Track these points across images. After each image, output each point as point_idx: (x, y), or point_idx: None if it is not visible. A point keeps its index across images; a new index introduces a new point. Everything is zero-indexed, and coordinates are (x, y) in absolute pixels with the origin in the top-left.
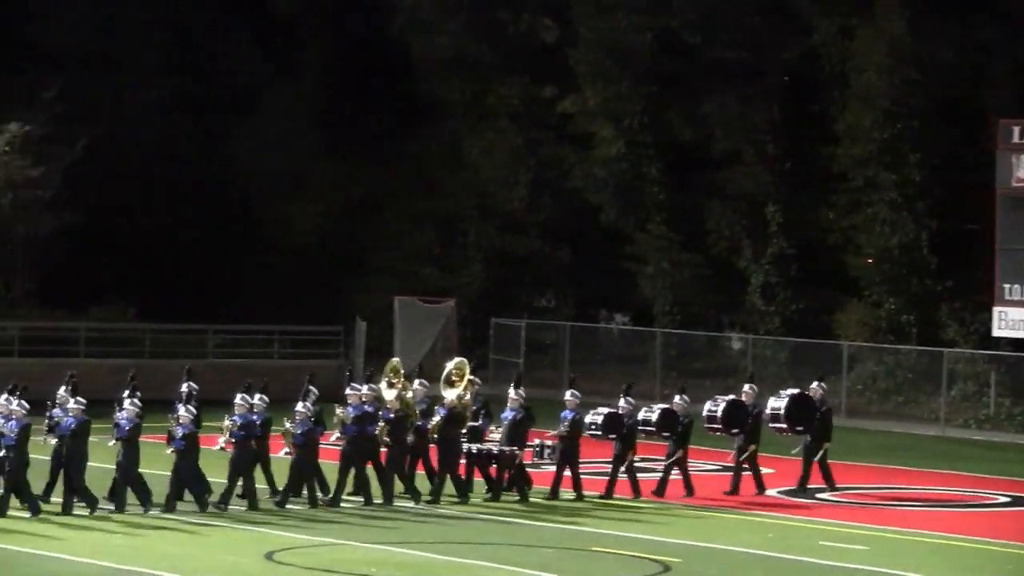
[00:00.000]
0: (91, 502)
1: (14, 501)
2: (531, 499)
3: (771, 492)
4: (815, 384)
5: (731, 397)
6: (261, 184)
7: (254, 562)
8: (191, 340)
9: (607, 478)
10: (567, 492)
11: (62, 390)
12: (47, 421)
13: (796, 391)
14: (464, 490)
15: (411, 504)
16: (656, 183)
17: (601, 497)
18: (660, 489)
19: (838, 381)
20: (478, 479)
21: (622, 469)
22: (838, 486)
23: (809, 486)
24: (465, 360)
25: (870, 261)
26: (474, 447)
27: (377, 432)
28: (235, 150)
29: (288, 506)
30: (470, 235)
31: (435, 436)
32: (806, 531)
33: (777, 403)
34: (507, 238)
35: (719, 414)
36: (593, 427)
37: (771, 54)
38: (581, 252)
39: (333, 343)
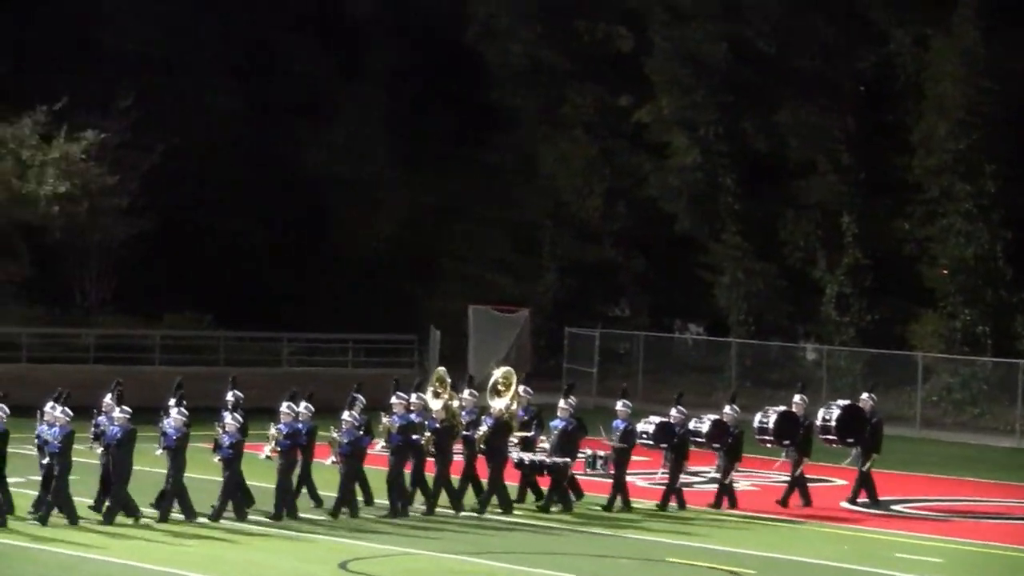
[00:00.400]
0: (132, 511)
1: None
2: (577, 510)
3: (845, 504)
4: (865, 395)
5: (782, 408)
6: (335, 191)
7: (328, 571)
8: (265, 348)
9: (662, 488)
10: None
11: (108, 398)
12: (93, 429)
13: (847, 402)
14: (508, 500)
15: (454, 513)
16: (731, 193)
17: (657, 507)
18: (732, 501)
19: (913, 392)
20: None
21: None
22: (909, 498)
23: (860, 499)
24: (511, 370)
25: (945, 272)
26: (525, 457)
27: (423, 442)
28: (309, 157)
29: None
30: (544, 244)
31: (482, 446)
32: (881, 543)
33: (828, 414)
34: (582, 247)
35: (770, 425)
36: (644, 436)
37: (846, 64)
38: (655, 261)
39: (407, 351)
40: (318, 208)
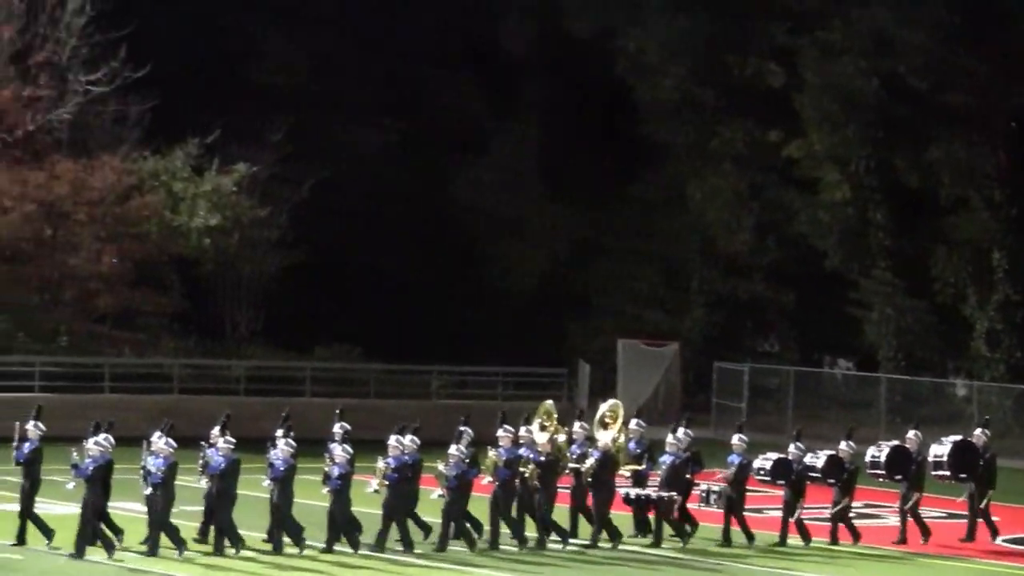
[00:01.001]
0: (235, 541)
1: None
2: (691, 544)
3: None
4: (978, 431)
5: (895, 443)
6: (484, 226)
7: None
8: (415, 381)
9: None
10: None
11: (215, 430)
12: (201, 460)
13: (959, 438)
14: (615, 533)
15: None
16: (881, 228)
17: (776, 544)
18: (853, 535)
19: None
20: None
21: (792, 516)
22: None
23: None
24: (619, 403)
25: None
26: (631, 492)
27: (527, 475)
28: (458, 192)
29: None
30: (693, 278)
31: (589, 480)
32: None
33: (940, 450)
34: (731, 281)
35: (882, 460)
36: (762, 472)
37: (998, 99)
38: (805, 296)
39: (556, 385)
40: (468, 242)
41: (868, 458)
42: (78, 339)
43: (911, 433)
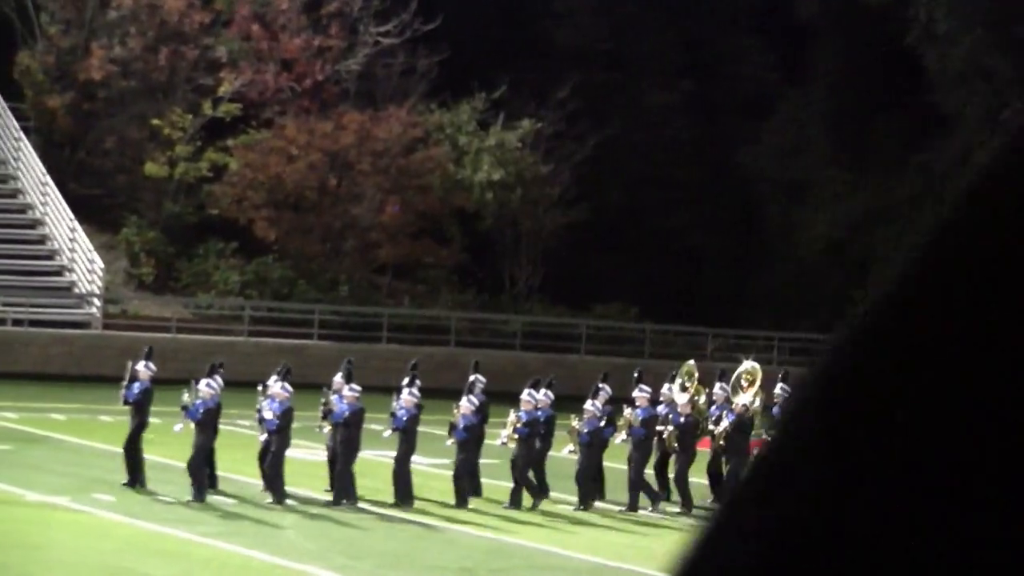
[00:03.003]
0: (350, 495)
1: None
2: None
3: None
4: None
5: None
6: (770, 190)
7: None
8: (690, 342)
9: None
10: None
11: (338, 376)
12: (322, 408)
13: None
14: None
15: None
16: None
17: None
18: None
19: None
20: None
21: None
22: None
23: None
24: (756, 365)
25: None
26: None
27: (666, 437)
28: (744, 155)
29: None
30: None
31: (721, 443)
32: None
33: None
34: None
35: None
36: None
37: None
38: None
39: None
40: (753, 206)
41: None
42: (358, 288)
43: None
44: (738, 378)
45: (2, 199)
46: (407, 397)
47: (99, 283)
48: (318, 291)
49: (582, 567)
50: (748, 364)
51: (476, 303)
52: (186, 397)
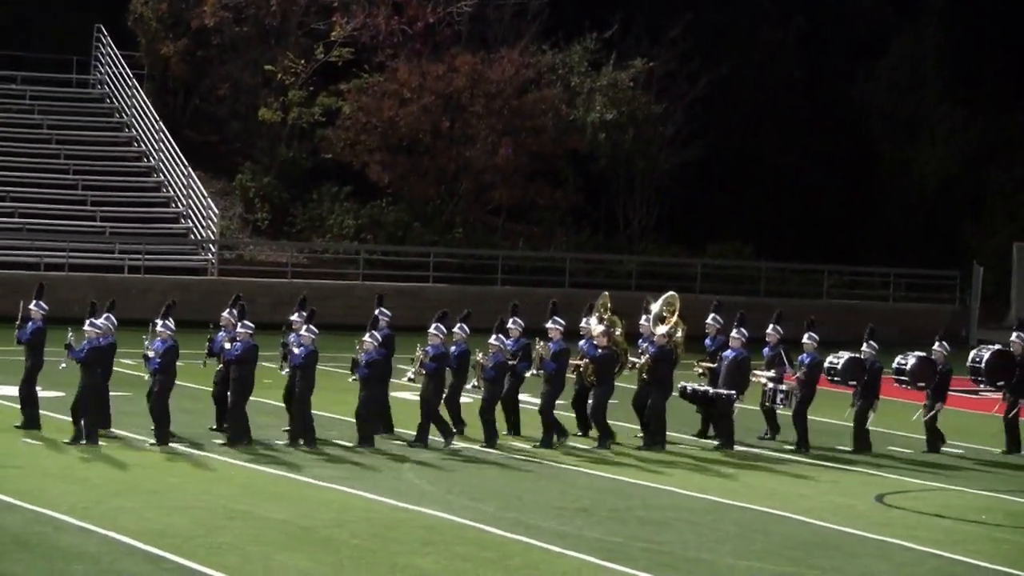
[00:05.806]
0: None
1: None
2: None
3: None
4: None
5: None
6: (884, 127)
7: (865, 504)
8: (806, 280)
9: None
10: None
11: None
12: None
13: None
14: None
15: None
16: None
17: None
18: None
19: None
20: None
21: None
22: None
23: None
24: (675, 295)
25: None
26: (689, 387)
27: (582, 370)
28: (858, 92)
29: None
30: None
31: (643, 376)
32: None
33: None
34: None
35: (982, 365)
36: (832, 372)
37: None
38: None
39: (949, 288)
40: (867, 143)
41: (969, 363)
42: (472, 231)
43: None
44: (659, 311)
45: (118, 147)
46: (304, 333)
47: (215, 229)
48: (433, 234)
49: (697, 506)
50: (667, 295)
51: (591, 244)
52: (70, 336)
